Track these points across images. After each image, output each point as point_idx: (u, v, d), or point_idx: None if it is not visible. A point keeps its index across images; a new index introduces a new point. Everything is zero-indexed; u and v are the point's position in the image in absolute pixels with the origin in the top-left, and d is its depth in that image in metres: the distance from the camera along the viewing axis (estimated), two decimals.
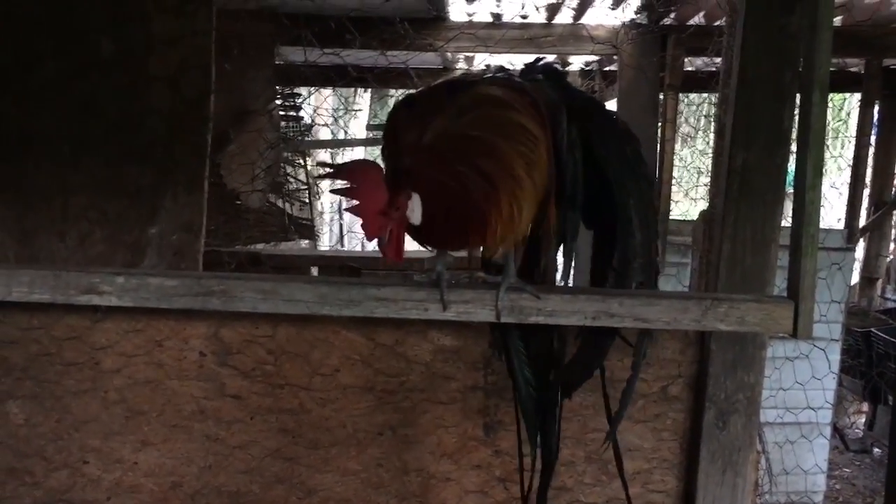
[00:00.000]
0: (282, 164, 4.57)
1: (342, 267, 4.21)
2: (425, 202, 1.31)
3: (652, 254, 1.47)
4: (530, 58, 1.71)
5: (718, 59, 3.92)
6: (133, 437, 1.65)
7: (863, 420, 5.68)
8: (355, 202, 1.30)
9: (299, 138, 5.14)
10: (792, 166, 1.51)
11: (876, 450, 5.37)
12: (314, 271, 4.41)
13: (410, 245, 1.42)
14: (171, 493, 1.66)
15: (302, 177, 5.18)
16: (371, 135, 8.67)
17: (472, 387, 1.65)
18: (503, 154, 1.33)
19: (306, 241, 5.06)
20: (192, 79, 2.66)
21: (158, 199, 2.66)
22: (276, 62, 4.35)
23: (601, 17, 4.42)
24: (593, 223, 1.52)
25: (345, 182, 1.30)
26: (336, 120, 8.23)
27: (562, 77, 1.55)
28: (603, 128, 1.48)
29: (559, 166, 1.42)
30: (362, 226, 1.30)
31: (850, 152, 6.93)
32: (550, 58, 4.49)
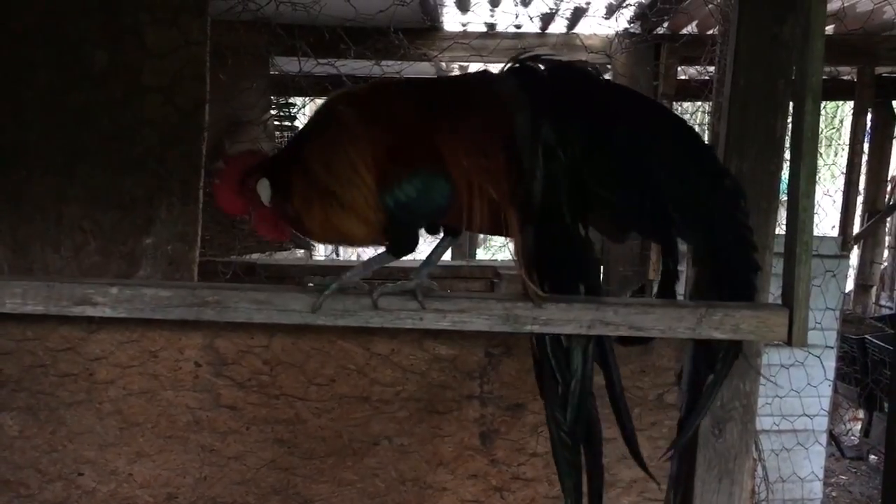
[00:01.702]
0: None
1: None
2: (274, 188, 1.43)
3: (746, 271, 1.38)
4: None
5: (712, 68, 3.94)
6: (128, 448, 1.65)
7: (858, 427, 5.68)
8: (219, 181, 1.46)
9: None
10: (785, 174, 1.51)
11: (872, 457, 5.37)
12: None
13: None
14: None
15: None
16: None
17: (467, 396, 1.65)
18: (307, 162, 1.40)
19: (301, 251, 5.06)
20: (187, 89, 2.66)
21: (153, 209, 2.65)
22: (271, 72, 4.35)
23: (595, 26, 4.44)
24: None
25: (221, 166, 1.47)
26: None
27: (534, 74, 1.41)
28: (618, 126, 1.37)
29: (522, 171, 1.35)
30: (217, 200, 1.47)
31: (843, 160, 6.95)
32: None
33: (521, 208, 1.35)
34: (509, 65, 1.42)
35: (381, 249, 1.44)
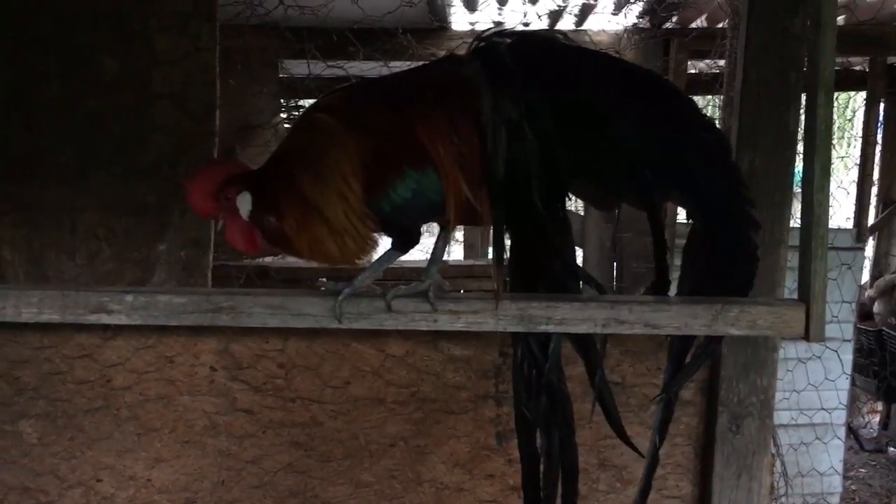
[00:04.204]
0: None
1: (350, 278, 4.21)
2: (255, 202, 1.40)
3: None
4: None
5: (722, 62, 3.93)
6: (146, 453, 1.65)
7: (877, 419, 5.65)
8: (194, 180, 1.43)
9: None
10: (799, 167, 1.50)
11: (891, 449, 5.34)
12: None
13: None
14: None
15: None
16: None
17: (483, 396, 1.65)
18: (296, 178, 1.37)
19: None
20: (197, 95, 2.67)
21: (166, 215, 2.67)
22: (280, 76, 4.37)
23: (603, 22, 4.44)
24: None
25: (202, 164, 1.40)
26: None
27: (495, 51, 1.36)
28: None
29: (487, 151, 1.32)
30: (188, 198, 1.43)
31: (856, 151, 6.92)
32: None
33: (490, 191, 1.34)
34: (474, 44, 1.40)
35: (388, 247, 1.44)
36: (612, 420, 1.42)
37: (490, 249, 1.43)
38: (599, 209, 1.51)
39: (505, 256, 1.37)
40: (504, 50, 1.36)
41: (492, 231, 1.36)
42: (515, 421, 1.47)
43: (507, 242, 1.38)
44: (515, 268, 1.42)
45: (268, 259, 4.23)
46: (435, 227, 1.46)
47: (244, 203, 1.40)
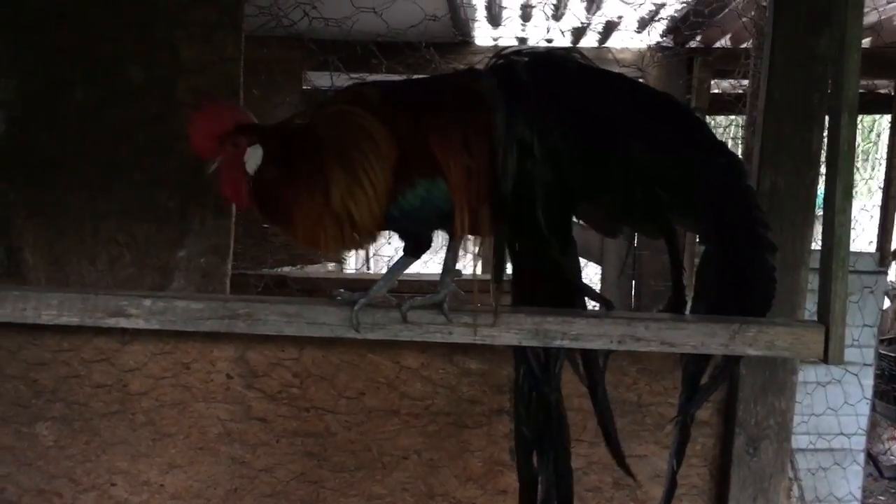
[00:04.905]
0: None
1: (366, 289, 4.20)
2: (266, 161, 1.37)
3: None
4: None
5: (745, 82, 3.91)
6: (160, 459, 1.66)
7: None
8: (201, 114, 1.40)
9: None
10: (821, 188, 1.49)
11: None
12: None
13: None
14: None
15: None
16: None
17: (497, 410, 1.64)
18: (329, 159, 1.34)
19: (332, 264, 5.08)
20: None
21: (186, 222, 2.68)
22: (304, 87, 4.39)
23: (627, 40, 4.44)
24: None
25: (211, 100, 1.42)
26: None
27: (512, 69, 1.38)
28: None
29: (495, 168, 1.33)
30: (190, 135, 1.40)
31: (880, 174, 6.86)
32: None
33: (494, 207, 1.34)
34: (492, 61, 1.40)
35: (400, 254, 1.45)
36: (610, 441, 1.43)
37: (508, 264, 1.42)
38: (604, 234, 1.49)
39: (506, 273, 1.38)
40: (521, 69, 1.37)
41: (493, 247, 1.36)
42: (515, 442, 1.47)
43: (513, 258, 1.39)
44: (518, 284, 1.43)
45: (286, 269, 4.25)
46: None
47: (253, 157, 1.37)
